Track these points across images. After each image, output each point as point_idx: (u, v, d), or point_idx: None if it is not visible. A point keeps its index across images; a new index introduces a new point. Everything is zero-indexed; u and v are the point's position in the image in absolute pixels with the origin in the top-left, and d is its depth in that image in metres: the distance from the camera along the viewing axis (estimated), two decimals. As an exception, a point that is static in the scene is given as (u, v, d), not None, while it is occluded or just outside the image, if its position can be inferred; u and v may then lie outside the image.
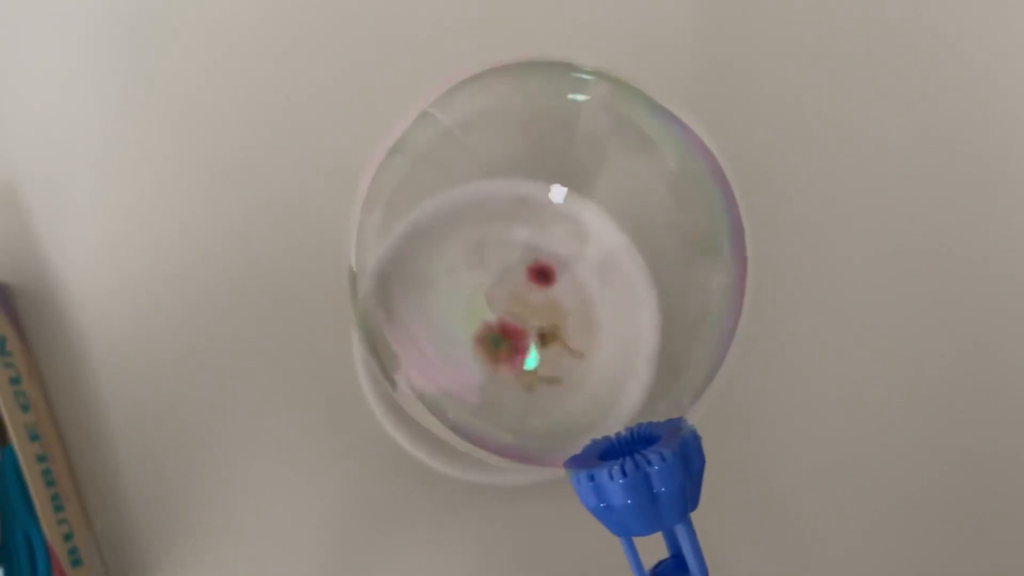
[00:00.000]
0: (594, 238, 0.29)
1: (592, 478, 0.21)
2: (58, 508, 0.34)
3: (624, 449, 0.22)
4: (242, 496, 0.36)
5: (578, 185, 0.27)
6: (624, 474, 0.20)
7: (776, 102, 0.37)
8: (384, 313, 0.27)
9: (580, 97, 0.24)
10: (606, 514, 0.21)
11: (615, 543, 0.36)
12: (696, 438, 0.21)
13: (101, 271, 0.37)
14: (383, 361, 0.26)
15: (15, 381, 0.35)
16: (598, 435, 0.23)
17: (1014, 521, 0.37)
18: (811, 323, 0.37)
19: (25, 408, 0.35)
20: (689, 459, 0.21)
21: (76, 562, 0.34)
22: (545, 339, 0.35)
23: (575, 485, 0.21)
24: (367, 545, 0.36)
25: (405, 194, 0.26)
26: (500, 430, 0.27)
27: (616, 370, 0.34)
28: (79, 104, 0.37)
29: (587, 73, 0.24)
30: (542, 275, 0.35)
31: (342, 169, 0.36)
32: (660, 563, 0.22)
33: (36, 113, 0.37)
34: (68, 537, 0.34)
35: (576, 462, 0.22)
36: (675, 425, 0.22)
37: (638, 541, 0.22)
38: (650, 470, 0.20)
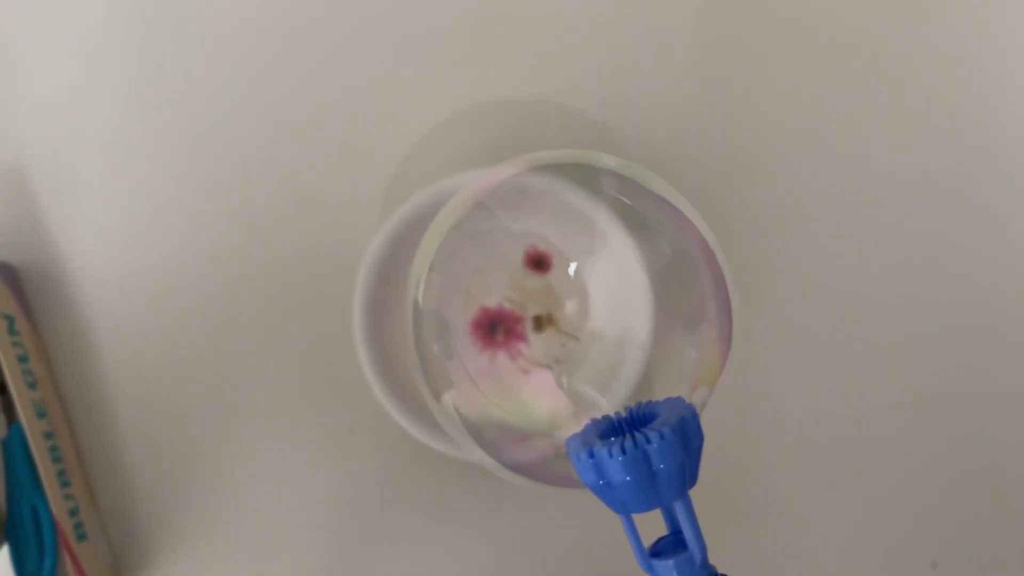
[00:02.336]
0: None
1: (592, 455, 0.21)
2: (64, 484, 0.35)
3: (624, 428, 0.23)
4: (244, 474, 0.37)
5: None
6: (623, 451, 0.20)
7: (778, 106, 0.37)
8: (442, 348, 0.30)
9: (599, 188, 0.29)
10: (605, 491, 0.21)
11: (612, 525, 0.36)
12: (695, 416, 0.22)
13: (108, 253, 0.37)
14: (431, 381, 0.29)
15: (23, 360, 0.35)
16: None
17: (1013, 518, 0.37)
18: (811, 324, 0.37)
19: (32, 386, 0.35)
20: (688, 436, 0.21)
21: (81, 536, 0.35)
22: (540, 324, 0.35)
23: (575, 463, 0.21)
24: (367, 523, 0.37)
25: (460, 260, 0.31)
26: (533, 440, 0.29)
27: (611, 355, 0.34)
28: (90, 86, 0.37)
29: (605, 167, 0.28)
30: (538, 262, 0.35)
31: (351, 158, 0.37)
32: (659, 540, 0.23)
33: (46, 95, 0.37)
34: (74, 512, 0.35)
35: (577, 440, 0.22)
36: (675, 404, 0.22)
37: (638, 517, 0.22)
38: (649, 448, 0.21)
